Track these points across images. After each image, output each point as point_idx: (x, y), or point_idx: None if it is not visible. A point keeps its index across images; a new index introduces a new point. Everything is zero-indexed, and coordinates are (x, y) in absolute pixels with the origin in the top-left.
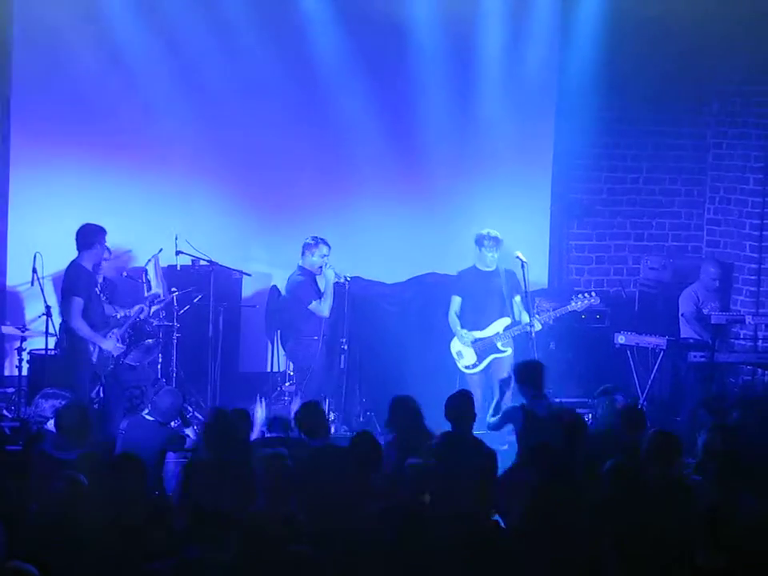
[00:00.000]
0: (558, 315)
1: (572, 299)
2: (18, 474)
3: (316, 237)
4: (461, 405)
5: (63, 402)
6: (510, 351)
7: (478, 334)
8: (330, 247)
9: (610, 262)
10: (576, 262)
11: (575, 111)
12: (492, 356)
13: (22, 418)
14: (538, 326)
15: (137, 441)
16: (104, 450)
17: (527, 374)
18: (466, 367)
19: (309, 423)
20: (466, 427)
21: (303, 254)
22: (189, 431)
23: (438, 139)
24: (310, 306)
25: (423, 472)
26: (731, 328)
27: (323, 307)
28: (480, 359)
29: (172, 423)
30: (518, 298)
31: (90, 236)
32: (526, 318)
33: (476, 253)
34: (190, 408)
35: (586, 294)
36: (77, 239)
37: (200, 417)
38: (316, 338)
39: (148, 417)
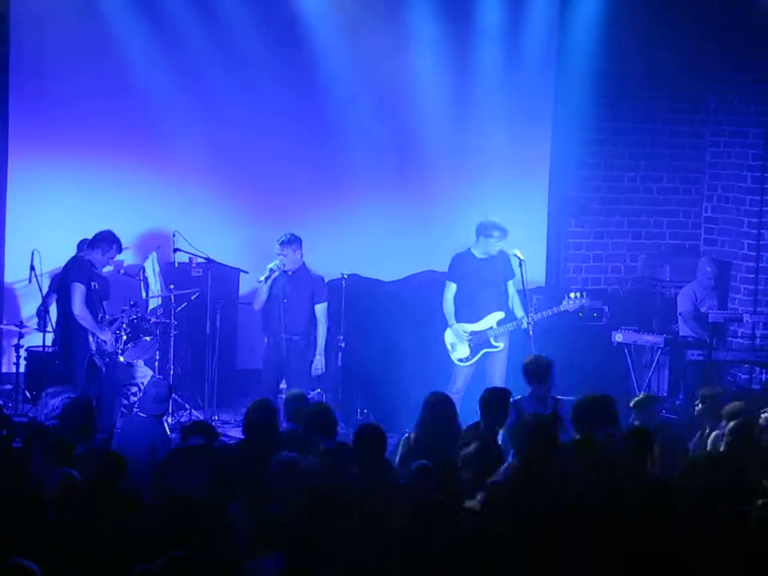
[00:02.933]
0: (548, 315)
1: (564, 299)
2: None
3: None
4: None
5: (70, 397)
6: (502, 346)
7: (472, 327)
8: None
9: (608, 260)
10: (573, 260)
11: (572, 109)
12: (484, 350)
13: (29, 416)
14: (525, 323)
15: (131, 439)
16: (104, 447)
17: (534, 369)
18: (459, 360)
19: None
20: None
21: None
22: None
23: (435, 138)
24: None
25: None
26: (729, 326)
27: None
28: (473, 353)
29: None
30: (510, 283)
31: (100, 240)
32: (518, 307)
33: (478, 241)
34: (187, 405)
35: (577, 295)
36: (92, 238)
37: (197, 414)
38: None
39: (140, 414)
